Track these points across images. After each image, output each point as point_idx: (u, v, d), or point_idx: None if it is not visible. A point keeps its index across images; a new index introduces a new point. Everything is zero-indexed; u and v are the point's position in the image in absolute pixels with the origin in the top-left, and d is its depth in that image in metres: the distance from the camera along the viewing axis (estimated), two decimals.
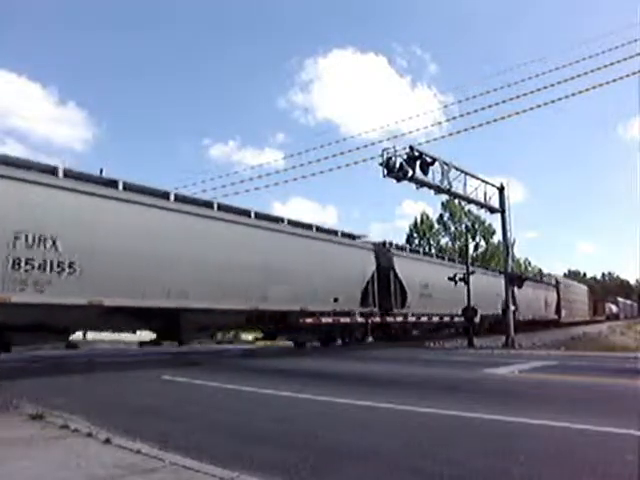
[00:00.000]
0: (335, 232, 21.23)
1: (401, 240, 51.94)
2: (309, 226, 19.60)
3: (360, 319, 21.52)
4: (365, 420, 6.23)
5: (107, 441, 4.67)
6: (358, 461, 4.38)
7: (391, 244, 25.40)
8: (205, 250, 14.42)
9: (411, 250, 28.11)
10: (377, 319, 22.43)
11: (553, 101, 18.69)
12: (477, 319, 25.96)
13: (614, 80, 17.16)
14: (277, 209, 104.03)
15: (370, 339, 23.56)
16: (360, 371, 12.60)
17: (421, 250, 34.12)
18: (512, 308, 24.02)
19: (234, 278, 15.03)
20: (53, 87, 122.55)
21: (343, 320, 20.32)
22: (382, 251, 23.91)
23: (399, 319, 24.24)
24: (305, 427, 5.87)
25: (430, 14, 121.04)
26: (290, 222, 18.70)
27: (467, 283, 24.32)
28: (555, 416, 6.00)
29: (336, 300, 19.34)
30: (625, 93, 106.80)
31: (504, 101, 18.55)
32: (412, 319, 25.02)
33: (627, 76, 16.81)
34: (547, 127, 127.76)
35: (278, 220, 18.28)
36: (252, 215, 16.81)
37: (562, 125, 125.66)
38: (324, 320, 19.21)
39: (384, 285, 23.08)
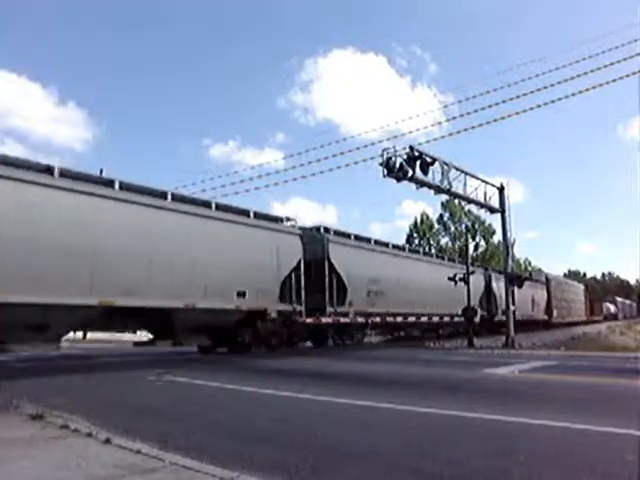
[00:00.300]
0: (246, 212, 17.30)
1: (401, 240, 51.84)
2: (206, 203, 16.02)
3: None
4: (365, 420, 6.23)
5: (107, 441, 4.67)
6: (358, 461, 4.38)
7: (327, 229, 21.04)
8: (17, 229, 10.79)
9: (357, 237, 22.76)
10: (302, 319, 18.24)
11: (553, 101, 18.75)
12: (477, 319, 25.84)
13: (614, 80, 17.21)
14: (277, 209, 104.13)
15: (370, 339, 22.18)
16: (360, 371, 12.60)
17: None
18: (512, 308, 24.03)
19: (76, 266, 11.57)
20: (53, 87, 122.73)
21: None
22: (313, 237, 19.95)
23: (335, 320, 19.99)
24: (305, 427, 5.87)
25: (430, 14, 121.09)
26: (176, 197, 14.84)
27: (467, 283, 24.33)
28: (555, 416, 6.00)
29: (241, 295, 15.84)
30: (625, 93, 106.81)
31: (504, 101, 18.60)
32: (355, 320, 20.83)
33: (627, 76, 16.86)
34: (547, 127, 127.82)
35: (155, 194, 14.26)
36: (116, 186, 13.11)
37: (562, 125, 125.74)
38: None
39: (316, 278, 19.30)
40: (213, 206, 15.96)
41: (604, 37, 42.91)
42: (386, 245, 25.15)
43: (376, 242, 24.16)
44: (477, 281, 30.74)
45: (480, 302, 31.41)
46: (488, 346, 21.63)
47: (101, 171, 13.59)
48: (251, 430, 5.65)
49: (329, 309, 19.42)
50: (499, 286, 32.20)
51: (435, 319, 26.80)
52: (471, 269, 31.96)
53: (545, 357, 16.30)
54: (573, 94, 18.38)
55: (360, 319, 21.50)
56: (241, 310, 16.01)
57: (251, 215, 17.32)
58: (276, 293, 17.40)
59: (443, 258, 31.61)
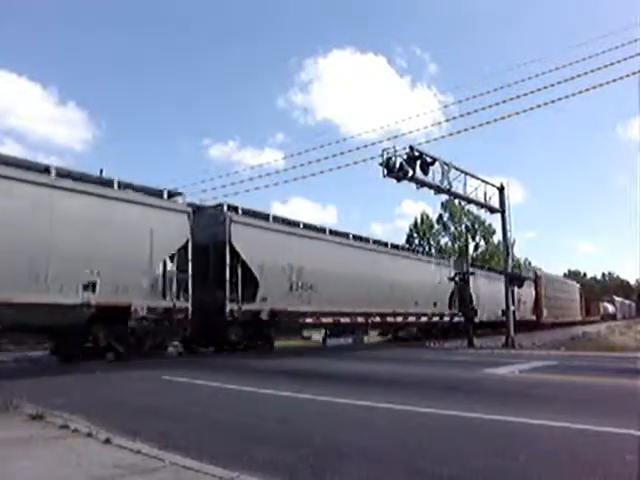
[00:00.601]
0: (108, 182, 13.52)
1: (401, 240, 51.67)
2: (43, 168, 12.42)
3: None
4: (365, 420, 6.23)
5: (107, 441, 4.67)
6: (358, 461, 4.38)
7: (234, 207, 16.97)
8: None
9: (278, 219, 18.58)
10: (180, 316, 14.37)
11: (553, 101, 18.65)
12: (477, 319, 25.62)
13: (614, 80, 17.12)
14: (277, 209, 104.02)
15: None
16: (360, 371, 12.61)
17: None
18: (512, 308, 24.03)
19: None
20: (53, 87, 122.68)
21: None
22: (210, 216, 16.52)
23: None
24: (305, 427, 5.88)
25: (430, 14, 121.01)
26: None
27: (467, 282, 24.36)
28: (555, 416, 6.00)
29: (90, 287, 12.44)
30: (625, 93, 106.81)
31: (504, 101, 18.49)
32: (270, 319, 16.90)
33: (627, 76, 16.77)
34: (547, 127, 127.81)
35: None
36: None
37: (562, 125, 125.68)
38: None
39: (215, 268, 15.97)
40: (53, 173, 12.39)
41: (604, 37, 42.77)
42: (322, 231, 20.70)
43: (306, 226, 19.76)
44: (444, 276, 27.18)
45: (450, 301, 27.63)
46: (488, 346, 21.64)
47: (101, 171, 13.61)
48: (251, 430, 5.65)
49: (230, 306, 15.59)
50: (477, 283, 28.93)
51: (397, 319, 23.48)
52: (436, 261, 28.38)
53: (545, 357, 16.30)
54: (573, 94, 18.31)
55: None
56: (90, 306, 12.51)
57: (115, 186, 13.53)
58: (145, 285, 13.82)
59: (404, 249, 26.74)
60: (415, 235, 56.40)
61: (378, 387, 9.42)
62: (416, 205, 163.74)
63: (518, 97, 18.22)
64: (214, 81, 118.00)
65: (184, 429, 5.65)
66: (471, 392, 8.76)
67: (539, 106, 18.86)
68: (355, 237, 22.77)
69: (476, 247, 56.88)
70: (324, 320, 19.57)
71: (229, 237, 15.92)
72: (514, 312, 24.70)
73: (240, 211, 17.05)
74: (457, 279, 26.42)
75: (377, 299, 21.76)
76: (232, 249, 15.96)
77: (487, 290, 30.24)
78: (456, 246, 54.62)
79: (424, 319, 25.50)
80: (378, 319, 22.46)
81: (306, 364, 14.22)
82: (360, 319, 21.21)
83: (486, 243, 57.53)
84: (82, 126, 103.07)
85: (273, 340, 18.21)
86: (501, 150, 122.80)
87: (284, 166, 54.09)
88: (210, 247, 16.02)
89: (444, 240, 56.90)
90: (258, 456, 4.44)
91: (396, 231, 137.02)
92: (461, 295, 27.91)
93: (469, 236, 54.49)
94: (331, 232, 21.31)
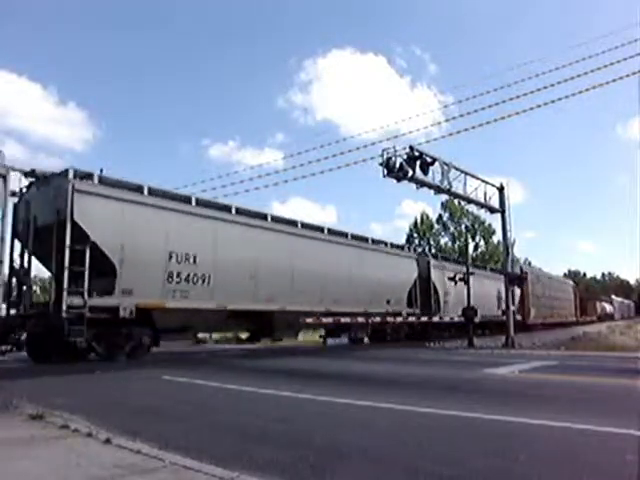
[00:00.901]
0: None
1: (401, 240, 51.49)
2: None
3: None
4: (365, 420, 6.23)
5: (107, 441, 4.67)
6: (358, 461, 4.38)
7: (85, 174, 13.07)
8: None
9: (155, 192, 14.51)
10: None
11: (553, 101, 18.71)
12: (477, 319, 25.52)
13: (614, 80, 17.17)
14: (277, 209, 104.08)
15: None
16: (360, 371, 12.61)
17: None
18: (512, 308, 24.03)
19: None
20: (53, 87, 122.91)
21: None
22: (53, 186, 12.89)
23: (335, 320, 16.26)
24: (305, 427, 5.87)
25: (430, 14, 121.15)
26: None
27: (467, 283, 24.34)
28: (555, 416, 6.00)
29: None
30: (625, 93, 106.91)
31: (504, 101, 18.56)
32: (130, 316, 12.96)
33: (627, 76, 16.82)
34: (547, 127, 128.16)
35: None
36: None
37: (562, 125, 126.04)
38: None
39: (56, 253, 12.30)
40: None
41: (604, 37, 42.80)
42: (227, 210, 16.41)
43: (200, 203, 15.69)
44: (400, 269, 24.28)
45: (410, 298, 24.70)
46: (488, 346, 21.66)
47: (101, 170, 13.60)
48: (251, 430, 5.65)
49: (70, 300, 12.03)
50: (444, 278, 26.41)
51: (329, 319, 19.61)
52: (392, 250, 24.74)
53: (545, 357, 16.29)
54: (573, 94, 18.37)
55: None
56: None
57: None
58: None
59: (353, 237, 21.94)
60: (415, 235, 56.49)
61: (378, 387, 9.42)
62: (416, 205, 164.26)
63: (518, 97, 18.29)
64: (214, 81, 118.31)
65: (184, 429, 5.64)
66: (471, 392, 8.76)
67: (539, 106, 18.93)
68: (273, 219, 18.23)
69: (476, 247, 56.94)
70: (230, 320, 16.07)
71: (71, 212, 12.26)
72: (513, 312, 24.67)
73: (96, 179, 13.14)
74: (419, 274, 25.20)
75: (298, 294, 17.81)
76: (77, 227, 12.33)
77: (482, 290, 29.46)
78: (456, 246, 54.70)
79: (362, 319, 21.27)
80: (310, 320, 18.64)
81: (306, 364, 14.22)
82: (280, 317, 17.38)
83: (486, 243, 57.59)
84: (82, 126, 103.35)
85: (146, 345, 14.18)
86: (501, 150, 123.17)
87: (284, 166, 54.12)
88: (55, 226, 12.36)
89: (444, 240, 57.04)
90: (258, 456, 4.43)
91: (396, 231, 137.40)
92: (422, 291, 25.62)
93: (469, 236, 54.56)
94: (239, 211, 16.77)
